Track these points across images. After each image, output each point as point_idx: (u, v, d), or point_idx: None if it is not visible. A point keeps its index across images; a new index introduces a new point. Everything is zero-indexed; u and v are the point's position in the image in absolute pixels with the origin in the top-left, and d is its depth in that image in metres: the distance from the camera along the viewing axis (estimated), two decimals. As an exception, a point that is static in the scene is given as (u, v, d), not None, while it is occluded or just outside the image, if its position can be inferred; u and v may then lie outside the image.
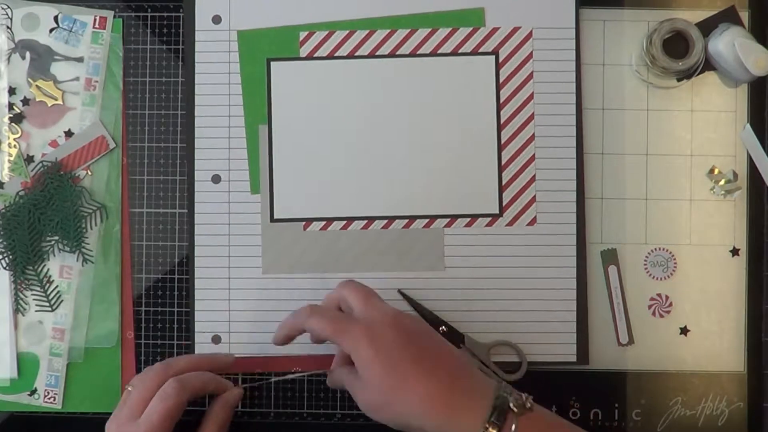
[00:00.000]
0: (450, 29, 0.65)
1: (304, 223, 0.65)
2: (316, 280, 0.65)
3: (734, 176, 0.66)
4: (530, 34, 0.65)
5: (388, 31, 0.65)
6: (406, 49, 0.65)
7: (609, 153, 0.66)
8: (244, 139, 0.65)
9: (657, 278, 0.65)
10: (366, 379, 0.53)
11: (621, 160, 0.66)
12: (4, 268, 0.65)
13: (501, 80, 0.65)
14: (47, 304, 0.65)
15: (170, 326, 0.66)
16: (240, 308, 0.65)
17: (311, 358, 0.64)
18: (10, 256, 0.65)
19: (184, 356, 0.64)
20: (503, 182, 0.65)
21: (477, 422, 0.51)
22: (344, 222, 0.65)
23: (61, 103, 0.66)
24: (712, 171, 0.66)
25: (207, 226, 0.65)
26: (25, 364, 0.65)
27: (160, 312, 0.66)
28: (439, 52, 0.65)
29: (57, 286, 0.65)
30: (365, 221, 0.65)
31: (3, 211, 0.65)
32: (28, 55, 0.66)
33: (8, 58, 0.66)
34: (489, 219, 0.65)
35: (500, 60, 0.65)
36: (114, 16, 0.66)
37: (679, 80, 0.66)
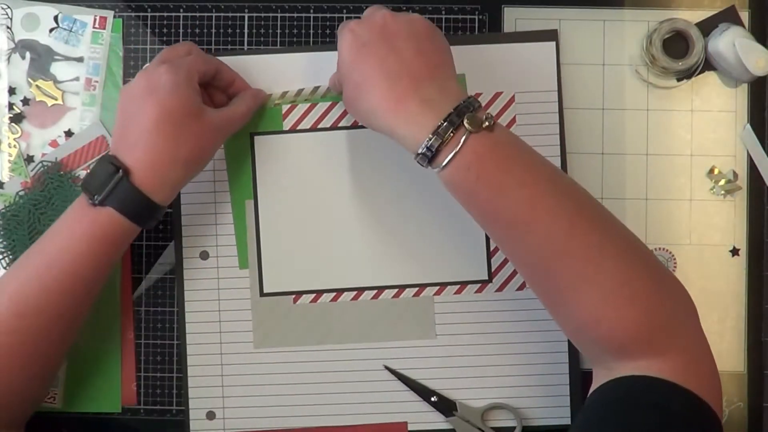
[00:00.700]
0: None
1: (293, 296, 0.65)
2: (308, 353, 0.64)
3: (734, 176, 0.66)
4: (512, 99, 0.65)
5: None
6: None
7: (609, 153, 0.66)
8: (231, 215, 0.65)
9: (657, 278, 0.65)
10: (340, 73, 0.56)
11: (621, 160, 0.66)
12: (5, 268, 0.65)
13: None
14: (47, 304, 0.65)
15: (170, 326, 0.66)
16: (233, 383, 0.65)
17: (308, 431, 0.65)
18: (11, 256, 0.65)
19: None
20: (491, 248, 0.65)
21: (424, 130, 0.51)
22: (334, 294, 0.65)
23: (61, 103, 0.66)
24: (712, 171, 0.66)
25: (197, 303, 0.65)
26: (25, 364, 0.65)
27: (160, 312, 0.66)
28: None
29: (57, 286, 0.65)
30: (355, 292, 0.65)
31: (3, 211, 0.65)
32: (28, 55, 0.66)
33: (8, 58, 0.66)
34: (478, 285, 0.65)
35: None
36: (114, 16, 0.66)
37: (679, 80, 0.66)
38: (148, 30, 0.66)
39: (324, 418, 0.64)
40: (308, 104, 0.65)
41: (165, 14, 0.67)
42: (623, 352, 0.50)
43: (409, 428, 0.64)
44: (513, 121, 0.65)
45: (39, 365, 0.57)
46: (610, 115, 0.66)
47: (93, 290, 0.58)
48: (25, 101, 0.66)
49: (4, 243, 0.65)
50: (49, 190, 0.65)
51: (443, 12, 0.66)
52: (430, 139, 0.50)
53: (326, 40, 0.66)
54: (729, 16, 0.66)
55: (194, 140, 0.56)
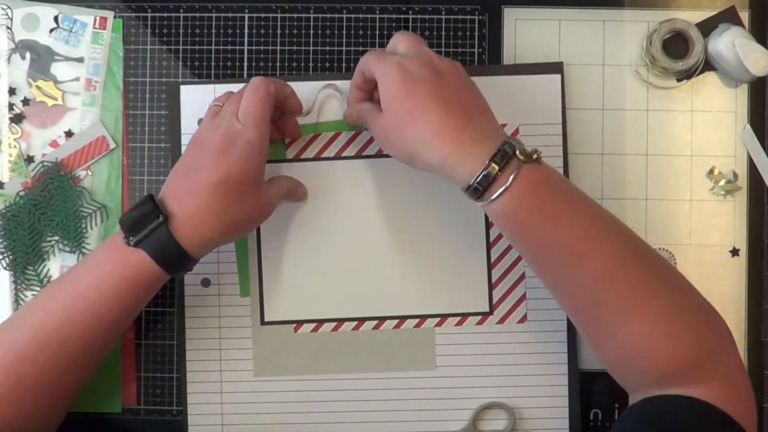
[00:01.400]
0: None
1: (294, 325, 0.65)
2: (308, 382, 0.64)
3: (734, 176, 0.66)
4: (517, 131, 0.65)
5: None
6: None
7: (609, 153, 0.66)
8: (233, 243, 0.64)
9: (657, 278, 0.65)
10: (386, 102, 0.55)
11: (621, 160, 0.66)
12: (5, 269, 0.65)
13: None
14: (47, 304, 0.65)
15: (170, 326, 0.66)
16: (233, 411, 0.64)
17: None
18: (11, 257, 0.65)
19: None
20: (493, 280, 0.65)
21: (479, 160, 0.52)
22: (335, 323, 0.64)
23: (61, 103, 0.66)
24: (712, 171, 0.66)
25: (198, 330, 0.65)
26: (25, 365, 0.65)
27: (160, 313, 0.66)
28: None
29: (57, 287, 0.65)
30: (356, 322, 0.64)
31: (3, 211, 0.65)
32: (28, 55, 0.66)
33: (8, 58, 0.66)
34: (479, 317, 0.64)
35: None
36: (114, 17, 0.66)
37: (679, 80, 0.66)
38: (148, 30, 0.67)
39: None
40: (311, 133, 0.65)
41: (165, 14, 0.67)
42: (666, 381, 0.51)
43: None
44: None
45: (58, 395, 0.57)
46: (610, 116, 0.66)
47: (119, 328, 0.57)
48: (26, 101, 0.66)
49: (4, 243, 0.65)
50: (49, 190, 0.65)
51: (443, 12, 0.66)
52: (486, 167, 0.51)
53: (326, 40, 0.66)
54: (729, 17, 0.66)
55: (245, 209, 0.56)
